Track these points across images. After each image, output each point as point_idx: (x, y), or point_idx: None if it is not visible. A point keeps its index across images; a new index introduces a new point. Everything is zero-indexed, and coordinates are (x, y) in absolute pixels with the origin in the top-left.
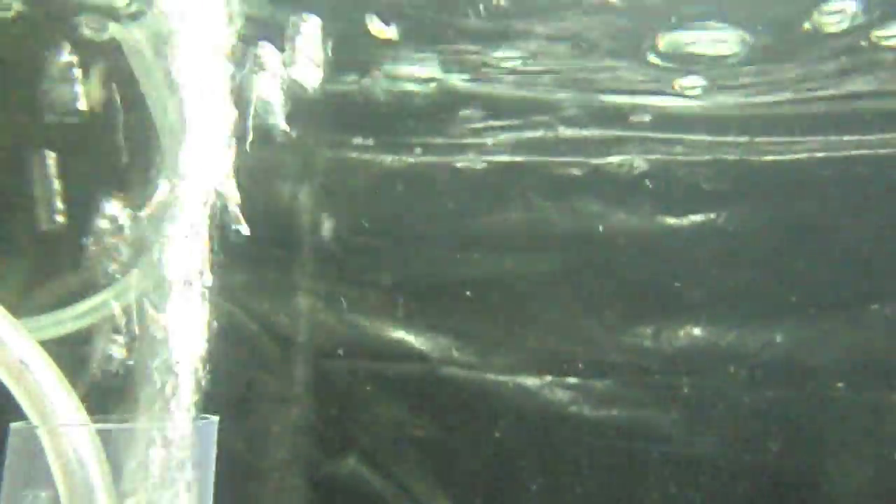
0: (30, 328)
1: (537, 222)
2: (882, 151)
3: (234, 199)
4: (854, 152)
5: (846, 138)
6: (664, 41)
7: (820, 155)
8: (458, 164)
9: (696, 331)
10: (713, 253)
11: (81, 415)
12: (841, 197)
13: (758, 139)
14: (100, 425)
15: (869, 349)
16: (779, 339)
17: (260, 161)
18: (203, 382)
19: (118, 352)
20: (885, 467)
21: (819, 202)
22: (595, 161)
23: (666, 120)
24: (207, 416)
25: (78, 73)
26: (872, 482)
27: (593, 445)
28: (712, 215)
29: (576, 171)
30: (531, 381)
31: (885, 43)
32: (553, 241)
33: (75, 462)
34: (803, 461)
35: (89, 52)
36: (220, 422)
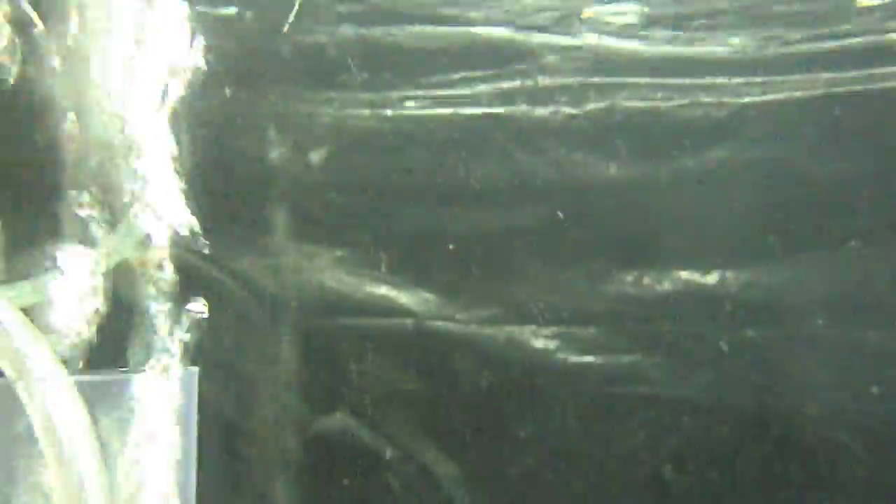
0: (7, 295)
1: (517, 173)
2: (857, 88)
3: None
4: (830, 90)
5: (824, 76)
6: None
7: (797, 94)
8: (434, 115)
9: (677, 276)
10: (692, 198)
11: (60, 370)
12: (818, 137)
13: (735, 80)
14: (79, 377)
15: (846, 287)
16: (758, 280)
17: (235, 120)
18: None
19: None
20: (862, 402)
21: (796, 143)
22: (573, 109)
23: (641, 64)
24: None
25: None
26: (850, 417)
27: (578, 391)
28: (691, 160)
29: (554, 120)
30: (515, 332)
31: None
32: (533, 191)
33: (56, 416)
34: (783, 399)
35: None
36: (208, 383)
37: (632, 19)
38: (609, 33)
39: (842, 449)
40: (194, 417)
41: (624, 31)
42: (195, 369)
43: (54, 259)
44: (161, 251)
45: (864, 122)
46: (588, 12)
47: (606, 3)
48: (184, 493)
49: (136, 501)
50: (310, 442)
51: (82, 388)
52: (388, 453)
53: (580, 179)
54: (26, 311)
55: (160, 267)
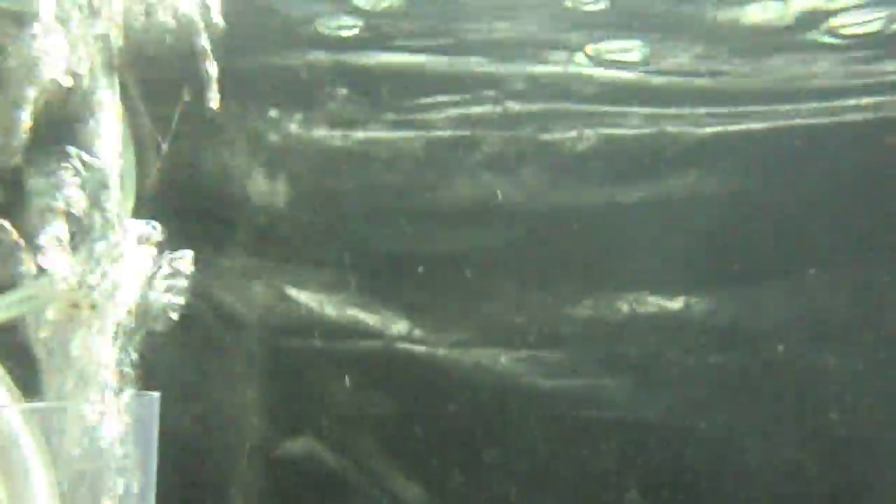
0: None
1: (486, 197)
2: (816, 121)
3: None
4: (790, 122)
5: (783, 108)
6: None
7: (759, 125)
8: (406, 140)
9: (643, 301)
10: (659, 225)
11: (14, 397)
12: (780, 167)
13: (699, 110)
14: (33, 405)
15: (806, 314)
16: (721, 306)
17: (205, 141)
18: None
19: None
20: (821, 425)
21: (759, 173)
22: (543, 135)
23: (611, 92)
24: (148, 392)
25: None
26: (811, 440)
27: (546, 414)
28: (657, 187)
29: (523, 146)
30: (484, 355)
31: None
32: (501, 215)
33: (9, 443)
34: (745, 422)
35: None
36: (172, 404)
37: (635, 57)
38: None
39: (802, 470)
40: (155, 443)
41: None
42: (156, 395)
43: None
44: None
45: (823, 153)
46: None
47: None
48: None
49: None
50: (275, 465)
51: (37, 413)
52: (355, 477)
53: (548, 203)
54: None
55: (93, 307)
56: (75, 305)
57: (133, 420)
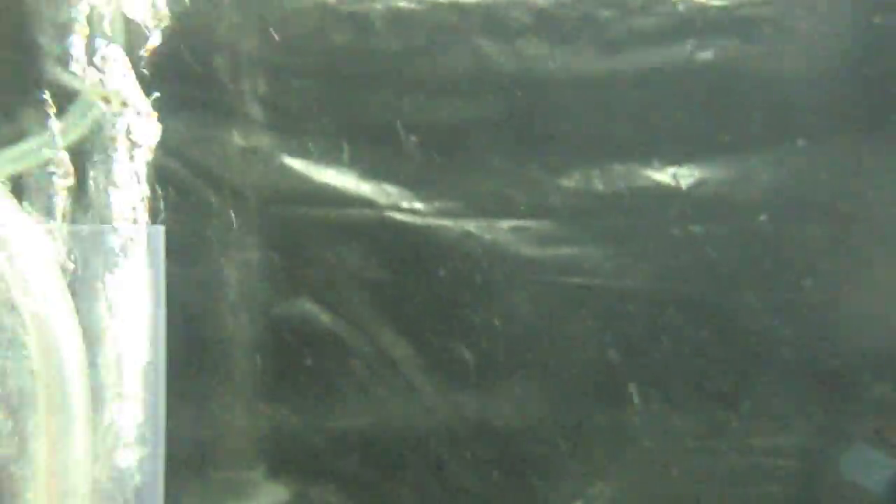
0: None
1: (481, 64)
2: None
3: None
4: None
5: None
6: None
7: None
8: (400, 4)
9: (632, 172)
10: (650, 96)
11: (30, 218)
12: (773, 37)
13: None
14: (48, 225)
15: (790, 184)
16: (709, 177)
17: (194, 4)
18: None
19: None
20: (796, 294)
21: (753, 43)
22: (541, 2)
23: None
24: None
25: None
26: (784, 307)
27: (532, 281)
28: (651, 57)
29: (520, 13)
30: (474, 224)
31: None
32: (496, 83)
33: (25, 264)
34: (723, 289)
35: None
36: (173, 269)
37: None
38: None
39: (775, 335)
40: (162, 271)
41: None
42: (161, 227)
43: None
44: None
45: (816, 23)
46: None
47: None
48: (154, 360)
49: (119, 370)
50: (272, 325)
51: (51, 234)
52: (347, 336)
53: (543, 72)
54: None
55: (124, 104)
56: (107, 100)
57: (144, 249)
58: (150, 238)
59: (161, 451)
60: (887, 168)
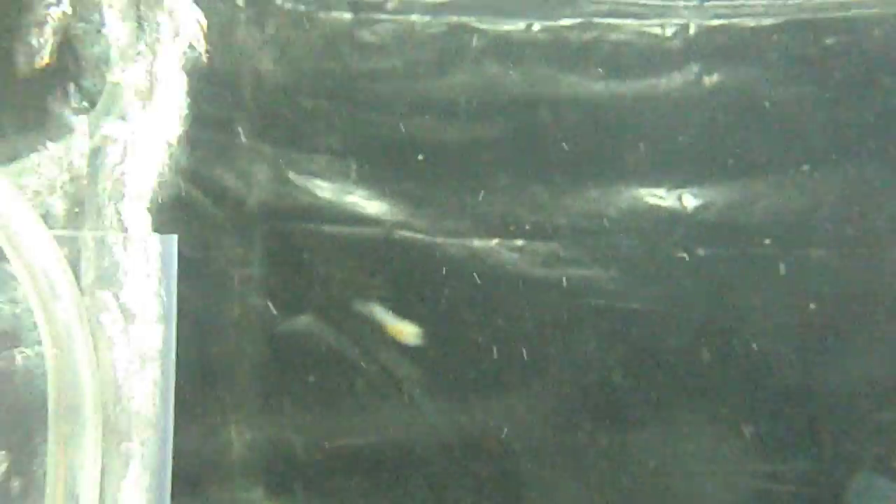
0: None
1: (487, 85)
2: (819, 16)
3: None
4: (789, 17)
5: (789, 2)
6: None
7: (761, 21)
8: (409, 25)
9: (637, 194)
10: (655, 118)
11: (41, 225)
12: (779, 62)
13: (704, 3)
14: (60, 232)
15: (794, 209)
16: (713, 201)
17: (208, 19)
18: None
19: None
20: (802, 315)
21: (759, 67)
22: (547, 23)
23: None
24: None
25: None
26: (790, 329)
27: (537, 302)
28: (657, 80)
29: (528, 35)
30: (479, 244)
31: None
32: (502, 104)
33: (39, 270)
34: (728, 312)
35: None
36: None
37: None
38: None
39: (779, 359)
40: (175, 281)
41: None
42: (174, 237)
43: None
44: None
45: (819, 49)
46: None
47: None
48: (166, 371)
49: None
50: (276, 342)
51: (63, 241)
52: (352, 353)
53: (548, 94)
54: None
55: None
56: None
57: (156, 258)
58: (164, 247)
59: (168, 460)
60: (891, 192)
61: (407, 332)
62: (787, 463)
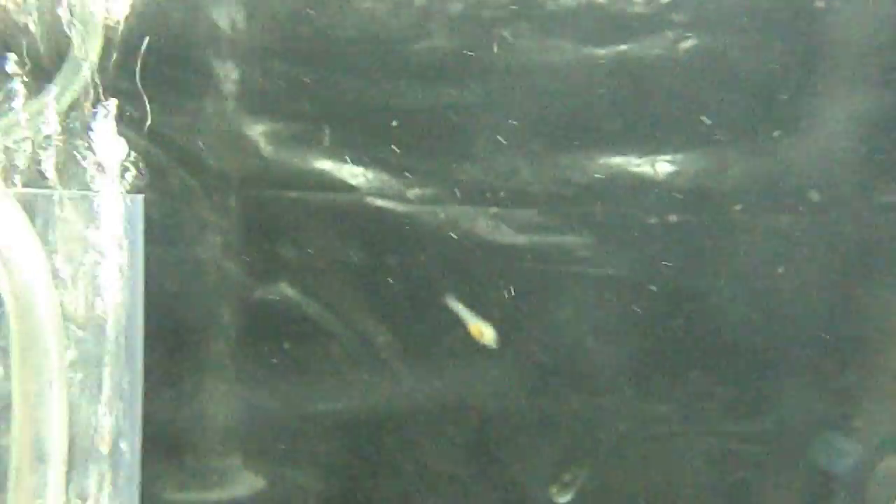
0: None
1: (463, 51)
2: None
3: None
4: None
5: None
6: None
7: None
8: None
9: (611, 161)
10: (628, 86)
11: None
12: (752, 28)
13: None
14: (25, 190)
15: (764, 175)
16: (685, 167)
17: None
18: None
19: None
20: (769, 282)
21: (732, 33)
22: None
23: None
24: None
25: None
26: (758, 294)
27: (511, 268)
28: (630, 47)
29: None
30: (454, 211)
31: None
32: (478, 70)
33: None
34: (699, 278)
35: None
36: (149, 248)
37: None
38: None
39: (748, 323)
40: (141, 242)
41: None
42: (140, 196)
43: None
44: None
45: (793, 15)
46: None
47: None
48: (132, 336)
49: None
50: (251, 309)
51: (28, 200)
52: (327, 321)
53: (523, 60)
54: None
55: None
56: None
57: (123, 221)
58: (128, 207)
59: (138, 422)
60: (859, 159)
61: (487, 334)
62: (754, 424)
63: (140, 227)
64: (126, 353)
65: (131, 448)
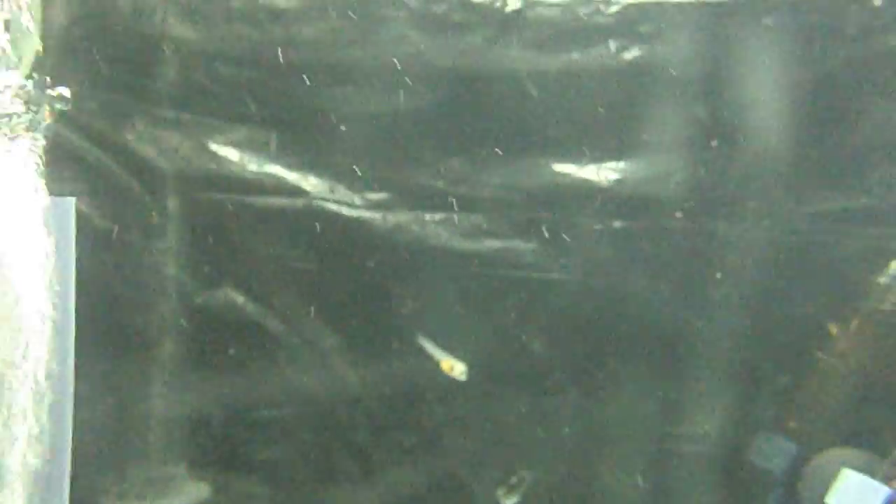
0: None
1: (412, 56)
2: None
3: None
4: None
5: None
6: None
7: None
8: None
9: (556, 167)
10: (575, 93)
11: None
12: (692, 40)
13: None
14: None
15: (704, 183)
16: (629, 175)
17: None
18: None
19: None
20: (709, 285)
21: (673, 45)
22: None
23: None
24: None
25: None
26: (697, 297)
27: (459, 273)
28: (576, 55)
29: (450, 7)
30: (402, 216)
31: None
32: (426, 76)
33: None
34: (640, 282)
35: None
36: (88, 252)
37: None
38: None
39: (688, 326)
40: (72, 246)
41: None
42: (71, 199)
43: None
44: None
45: (734, 28)
46: None
47: None
48: (63, 338)
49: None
50: (196, 314)
51: None
52: (274, 326)
53: (471, 67)
54: None
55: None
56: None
57: (52, 223)
58: (59, 210)
59: (68, 435)
60: (793, 170)
61: (458, 368)
62: (695, 425)
63: (72, 231)
64: (56, 360)
65: (59, 463)
